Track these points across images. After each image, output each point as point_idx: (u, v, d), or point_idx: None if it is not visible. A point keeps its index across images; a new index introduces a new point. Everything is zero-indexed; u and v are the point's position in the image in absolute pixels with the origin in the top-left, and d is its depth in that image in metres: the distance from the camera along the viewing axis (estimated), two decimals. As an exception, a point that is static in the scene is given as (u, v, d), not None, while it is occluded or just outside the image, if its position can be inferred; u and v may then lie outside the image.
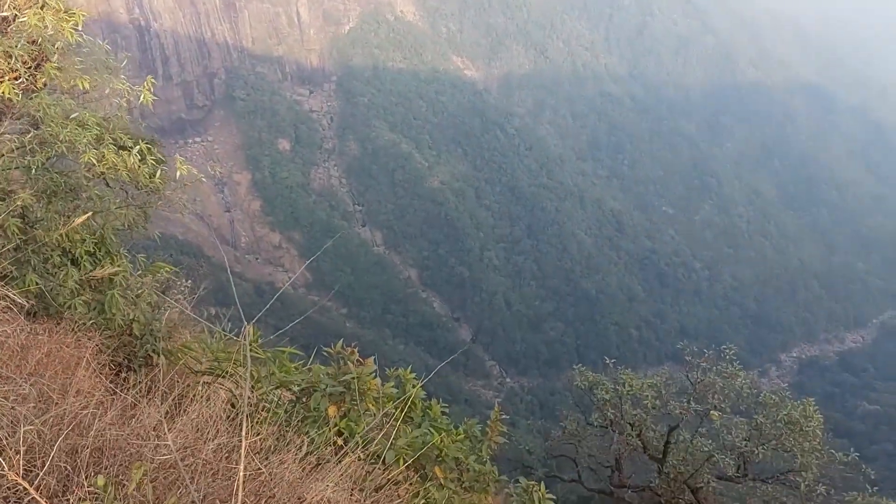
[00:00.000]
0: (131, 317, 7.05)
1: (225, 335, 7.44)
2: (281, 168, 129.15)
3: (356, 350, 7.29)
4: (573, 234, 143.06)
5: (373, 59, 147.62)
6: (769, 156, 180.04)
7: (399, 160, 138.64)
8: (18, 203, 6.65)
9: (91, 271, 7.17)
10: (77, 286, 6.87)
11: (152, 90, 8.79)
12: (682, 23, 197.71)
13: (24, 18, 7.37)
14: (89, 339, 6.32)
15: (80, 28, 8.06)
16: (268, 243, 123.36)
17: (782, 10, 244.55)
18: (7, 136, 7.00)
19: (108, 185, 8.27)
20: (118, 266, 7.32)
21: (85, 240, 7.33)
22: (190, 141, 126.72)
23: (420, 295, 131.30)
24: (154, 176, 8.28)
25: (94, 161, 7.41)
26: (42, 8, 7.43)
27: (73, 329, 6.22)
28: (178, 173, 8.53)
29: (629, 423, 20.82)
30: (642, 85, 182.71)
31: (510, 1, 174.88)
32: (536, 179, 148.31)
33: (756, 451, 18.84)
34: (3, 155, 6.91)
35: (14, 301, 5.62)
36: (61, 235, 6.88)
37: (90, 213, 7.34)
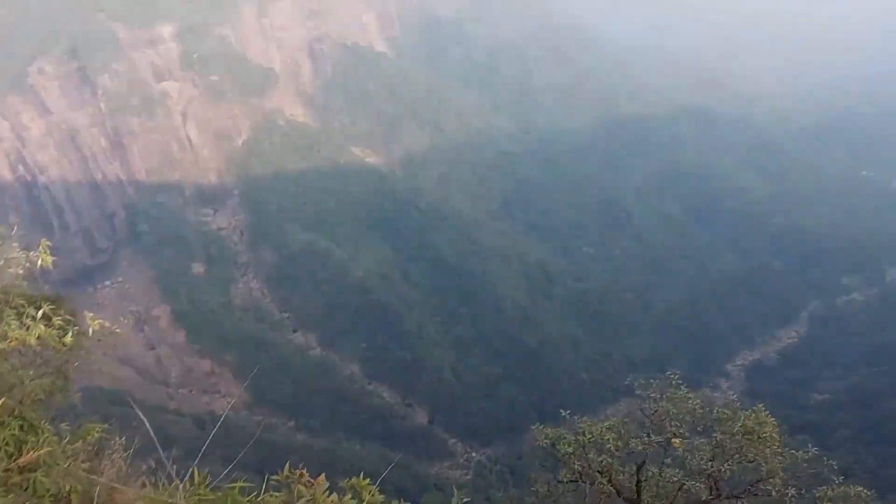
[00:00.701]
0: (67, 489, 6.76)
1: (169, 484, 7.00)
2: (199, 293, 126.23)
3: (304, 470, 7.05)
4: (505, 293, 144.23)
5: (272, 165, 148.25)
6: (670, 180, 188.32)
7: (319, 258, 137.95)
8: None
9: (17, 458, 6.79)
10: (2, 474, 6.57)
11: (48, 251, 8.91)
12: (560, 74, 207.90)
13: None
14: None
15: None
16: (199, 372, 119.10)
17: (648, 43, 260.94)
18: None
19: (19, 359, 8.03)
20: (45, 442, 6.95)
21: (7, 423, 7.00)
22: (99, 286, 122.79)
23: (367, 388, 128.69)
24: (64, 337, 8.12)
25: None
26: None
27: None
28: (90, 330, 8.60)
29: (598, 471, 20.53)
30: (536, 138, 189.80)
31: (394, 86, 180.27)
32: (458, 247, 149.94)
33: (723, 469, 19.08)
34: None
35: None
36: None
37: (3, 398, 6.97)
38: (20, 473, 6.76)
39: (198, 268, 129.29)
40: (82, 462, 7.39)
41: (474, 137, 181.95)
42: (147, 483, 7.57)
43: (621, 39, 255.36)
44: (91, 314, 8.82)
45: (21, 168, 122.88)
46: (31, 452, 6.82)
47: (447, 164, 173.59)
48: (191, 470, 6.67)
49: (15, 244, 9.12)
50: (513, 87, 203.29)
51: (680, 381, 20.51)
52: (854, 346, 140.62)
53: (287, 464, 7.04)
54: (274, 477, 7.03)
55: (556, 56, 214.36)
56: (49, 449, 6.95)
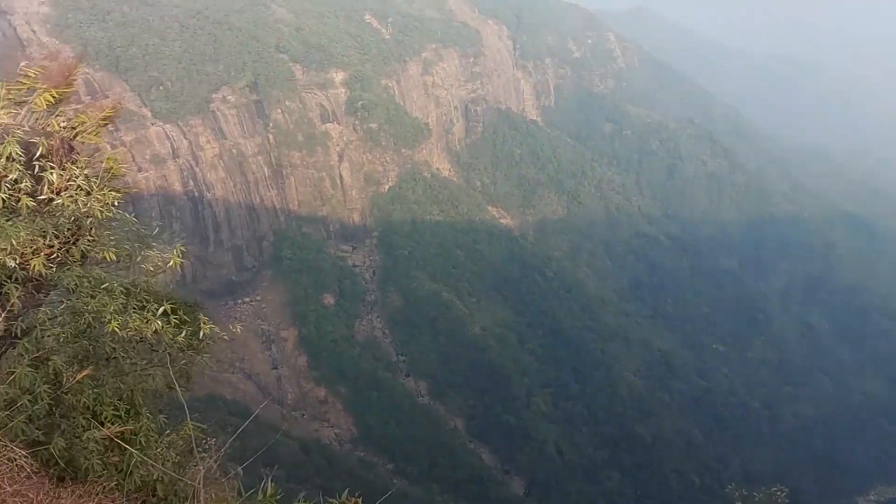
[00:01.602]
0: (154, 477, 7.30)
1: (246, 493, 7.79)
2: (326, 322, 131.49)
3: (360, 500, 7.50)
4: (622, 377, 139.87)
5: (411, 213, 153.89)
6: (816, 288, 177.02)
7: (440, 309, 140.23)
8: (50, 369, 7.34)
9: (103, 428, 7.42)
10: (99, 448, 7.21)
11: (182, 256, 9.39)
12: (710, 163, 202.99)
13: (59, 201, 8.20)
14: (112, 501, 6.76)
15: (115, 205, 8.93)
16: (314, 398, 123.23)
17: (809, 145, 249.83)
18: (42, 307, 7.85)
19: (134, 348, 8.72)
20: (142, 428, 7.73)
21: (114, 404, 7.81)
22: (239, 301, 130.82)
23: (468, 446, 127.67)
24: (178, 336, 8.67)
25: (117, 329, 7.93)
26: (86, 193, 8.38)
27: (96, 491, 6.70)
28: (201, 332, 8.95)
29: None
30: (678, 224, 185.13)
31: (540, 154, 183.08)
32: (579, 321, 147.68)
33: None
34: (36, 326, 7.70)
35: (44, 465, 6.26)
36: (90, 399, 7.51)
37: (89, 370, 7.73)
38: (115, 452, 7.38)
39: (328, 298, 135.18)
40: (175, 455, 7.88)
41: (612, 214, 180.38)
42: (226, 488, 8.02)
43: (783, 136, 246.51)
44: (206, 318, 9.14)
45: (191, 183, 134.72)
46: (116, 426, 7.46)
47: (580, 236, 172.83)
48: (264, 481, 7.04)
49: (157, 246, 9.54)
50: (660, 169, 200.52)
51: (786, 501, 19.39)
52: None
53: (346, 490, 7.38)
54: (332, 500, 7.32)
55: (710, 144, 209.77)
56: (138, 427, 7.59)
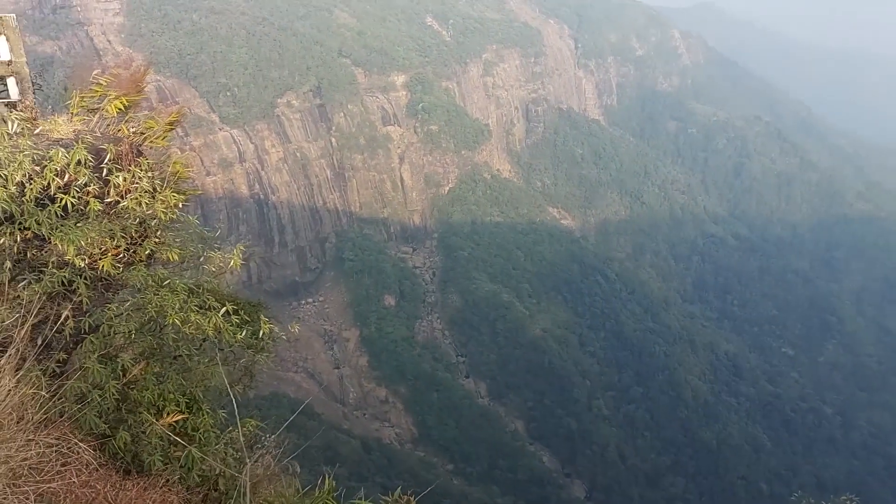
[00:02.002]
0: (217, 471, 7.51)
1: (304, 489, 7.91)
2: (386, 323, 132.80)
3: (412, 499, 7.64)
4: (686, 381, 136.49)
5: (471, 215, 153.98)
6: (893, 289, 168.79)
7: (500, 310, 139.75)
8: (119, 365, 7.67)
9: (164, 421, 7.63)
10: (161, 443, 7.47)
11: (242, 257, 9.75)
12: (780, 161, 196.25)
13: (126, 204, 8.57)
14: (175, 494, 6.96)
15: (179, 207, 9.27)
16: (375, 398, 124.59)
17: (886, 142, 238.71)
18: (109, 304, 8.20)
19: (198, 346, 9.03)
20: (202, 423, 8.01)
21: (177, 400, 8.09)
22: (303, 302, 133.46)
23: (528, 448, 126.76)
24: (237, 335, 8.85)
25: (179, 322, 8.22)
26: (150, 196, 8.73)
27: (160, 484, 6.93)
28: (260, 332, 9.12)
29: None
30: (746, 224, 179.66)
31: (602, 153, 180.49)
32: (642, 323, 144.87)
33: None
34: (104, 323, 8.04)
35: (111, 458, 6.52)
36: (155, 395, 7.81)
37: (146, 363, 8.01)
38: (176, 446, 7.51)
39: (389, 300, 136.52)
40: (235, 451, 8.02)
41: (677, 214, 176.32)
42: (284, 483, 8.20)
43: (857, 133, 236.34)
44: (266, 319, 9.24)
45: (257, 186, 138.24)
46: (172, 416, 7.66)
47: (643, 237, 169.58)
48: (322, 477, 7.13)
49: (223, 248, 9.78)
50: (727, 167, 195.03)
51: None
52: None
53: (398, 488, 7.52)
54: (384, 498, 7.48)
55: (778, 141, 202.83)
56: (196, 420, 7.75)
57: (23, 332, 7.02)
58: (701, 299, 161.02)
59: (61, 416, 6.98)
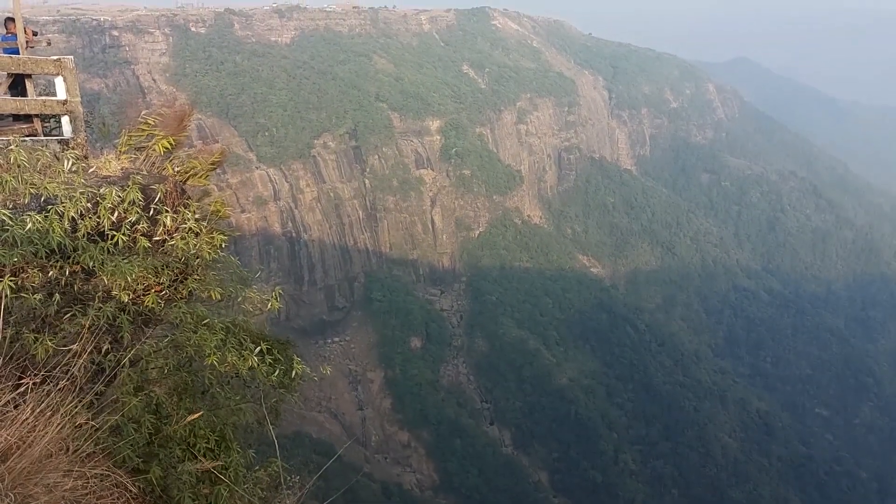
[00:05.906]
0: None
1: None
2: (412, 365, 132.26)
3: None
4: (716, 437, 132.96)
5: (500, 259, 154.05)
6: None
7: (526, 357, 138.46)
8: (154, 399, 7.79)
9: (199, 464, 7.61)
10: (192, 479, 7.41)
11: (279, 298, 9.74)
12: (815, 217, 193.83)
13: (173, 242, 8.73)
14: None
15: (222, 247, 9.54)
16: (397, 442, 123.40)
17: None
18: (148, 340, 8.37)
19: (229, 383, 9.03)
20: (232, 463, 8.06)
21: (207, 436, 8.05)
22: (329, 341, 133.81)
23: (552, 501, 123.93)
24: (271, 375, 8.83)
25: (216, 363, 8.29)
26: (195, 235, 9.01)
27: None
28: (293, 372, 9.14)
29: None
30: (779, 279, 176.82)
31: (634, 203, 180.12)
32: (671, 377, 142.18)
33: None
34: (142, 358, 8.20)
35: (141, 493, 6.59)
36: (186, 430, 7.88)
37: (201, 412, 8.02)
38: (206, 484, 7.47)
39: (415, 342, 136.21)
40: (261, 491, 7.97)
41: (709, 266, 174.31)
42: None
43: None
44: (298, 359, 9.28)
45: (290, 224, 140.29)
46: (208, 462, 7.53)
47: (674, 288, 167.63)
48: None
49: (255, 286, 9.89)
50: (761, 221, 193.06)
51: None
52: None
53: None
54: None
55: (814, 197, 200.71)
56: (227, 463, 7.68)
57: (79, 363, 7.21)
58: (733, 354, 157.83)
59: (96, 448, 7.09)
